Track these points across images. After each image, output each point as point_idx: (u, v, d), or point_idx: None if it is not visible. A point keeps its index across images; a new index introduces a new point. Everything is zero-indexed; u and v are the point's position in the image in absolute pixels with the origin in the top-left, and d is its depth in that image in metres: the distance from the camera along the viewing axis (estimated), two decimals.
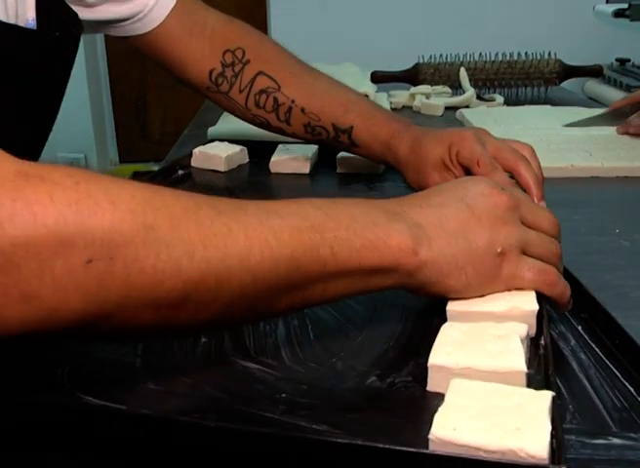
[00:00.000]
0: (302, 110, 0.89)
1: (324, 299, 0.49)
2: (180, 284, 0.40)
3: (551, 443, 0.39)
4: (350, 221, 0.48)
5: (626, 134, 1.22)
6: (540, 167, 0.75)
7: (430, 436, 0.40)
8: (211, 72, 0.91)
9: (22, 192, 0.36)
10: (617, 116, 1.31)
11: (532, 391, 0.43)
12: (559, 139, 1.18)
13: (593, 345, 0.56)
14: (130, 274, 0.38)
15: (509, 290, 0.54)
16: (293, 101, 0.89)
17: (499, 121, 1.34)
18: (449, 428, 0.40)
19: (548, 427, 0.40)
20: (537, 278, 0.54)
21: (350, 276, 0.48)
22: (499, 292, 0.54)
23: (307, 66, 0.93)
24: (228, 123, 1.21)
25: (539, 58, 1.67)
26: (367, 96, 1.39)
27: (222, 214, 0.43)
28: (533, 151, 0.76)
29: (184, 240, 0.40)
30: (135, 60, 3.41)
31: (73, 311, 0.38)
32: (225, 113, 1.19)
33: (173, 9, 0.88)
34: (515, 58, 1.68)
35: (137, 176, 0.97)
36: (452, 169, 0.77)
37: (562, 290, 0.55)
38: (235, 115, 0.95)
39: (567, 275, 0.65)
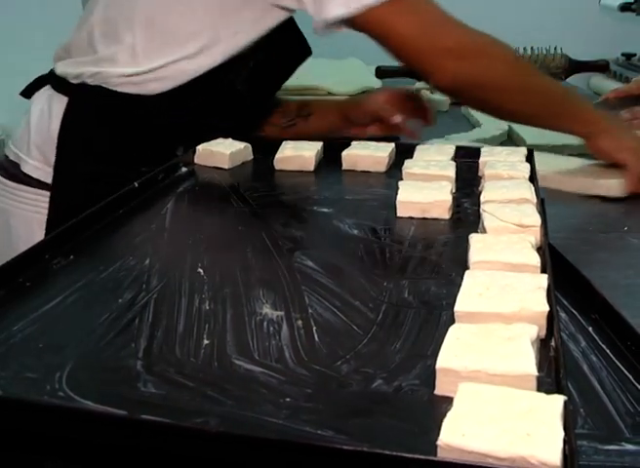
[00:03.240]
0: None
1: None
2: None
3: (564, 449, 0.38)
4: (581, 103, 1.05)
5: None
6: None
7: (439, 442, 0.39)
8: None
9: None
10: (606, 107, 1.36)
11: (543, 395, 0.42)
12: None
13: (604, 347, 0.54)
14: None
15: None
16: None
17: None
18: (458, 434, 0.39)
19: (561, 433, 0.39)
20: None
21: (575, 119, 1.02)
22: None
23: None
24: None
25: (544, 53, 1.67)
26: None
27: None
28: None
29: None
30: None
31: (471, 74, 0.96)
32: None
33: None
34: (521, 52, 1.67)
35: (139, 174, 0.95)
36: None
37: None
38: None
39: (575, 274, 0.64)
